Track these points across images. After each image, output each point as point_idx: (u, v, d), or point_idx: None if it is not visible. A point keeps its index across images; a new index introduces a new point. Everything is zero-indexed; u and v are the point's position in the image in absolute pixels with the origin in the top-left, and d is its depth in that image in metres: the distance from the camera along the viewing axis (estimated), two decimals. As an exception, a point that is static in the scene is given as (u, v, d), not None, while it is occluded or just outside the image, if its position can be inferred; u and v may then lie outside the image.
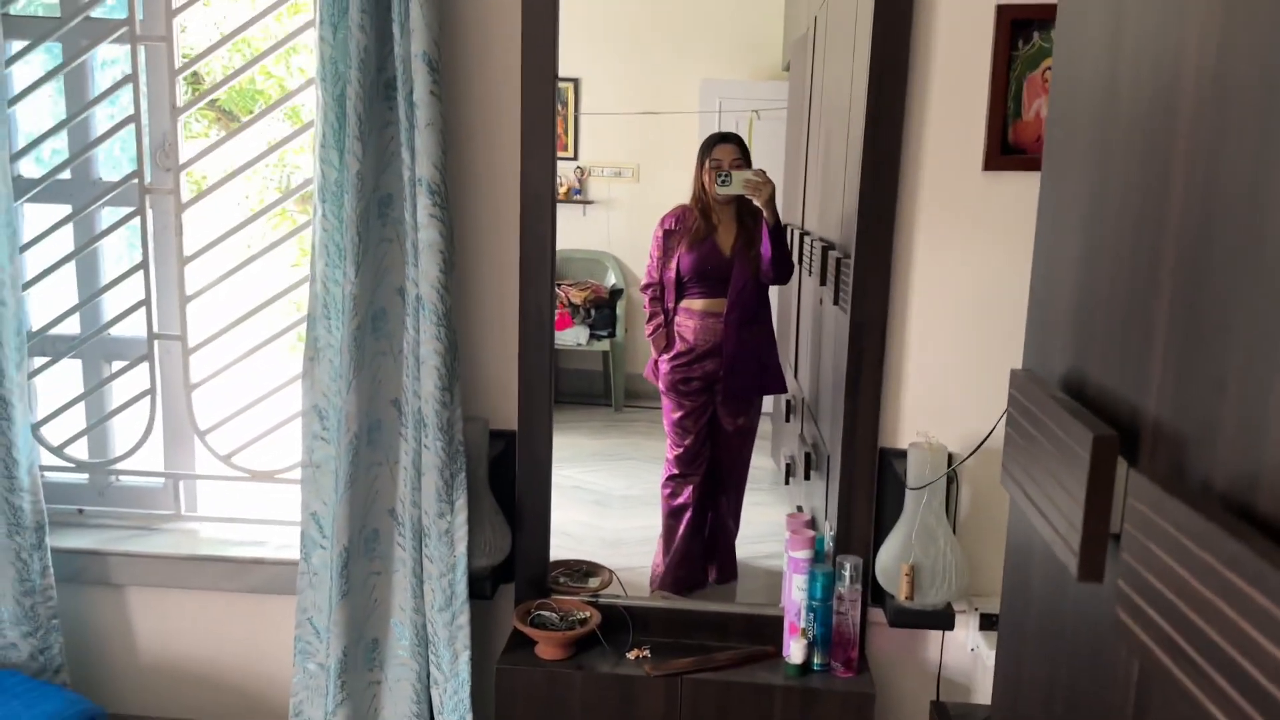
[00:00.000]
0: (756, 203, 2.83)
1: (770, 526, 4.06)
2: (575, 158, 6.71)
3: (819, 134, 3.99)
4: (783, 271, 2.99)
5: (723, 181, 2.78)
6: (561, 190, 6.57)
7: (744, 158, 2.96)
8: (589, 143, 6.70)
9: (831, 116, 3.54)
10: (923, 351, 2.02)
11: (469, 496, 1.95)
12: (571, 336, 6.31)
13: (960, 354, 2.00)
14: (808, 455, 3.76)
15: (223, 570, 2.23)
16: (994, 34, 1.91)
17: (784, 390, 3.28)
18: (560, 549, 2.77)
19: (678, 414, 3.12)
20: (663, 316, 3.12)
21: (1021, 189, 1.94)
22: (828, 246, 3.41)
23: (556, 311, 6.18)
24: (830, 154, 3.12)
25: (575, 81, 6.64)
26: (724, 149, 2.95)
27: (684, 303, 3.05)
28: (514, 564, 2.17)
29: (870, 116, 1.96)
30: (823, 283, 3.40)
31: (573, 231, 6.58)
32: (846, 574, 1.97)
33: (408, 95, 1.85)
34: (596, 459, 5.38)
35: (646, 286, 3.23)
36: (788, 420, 4.49)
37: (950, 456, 1.94)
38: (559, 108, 6.98)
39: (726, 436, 3.14)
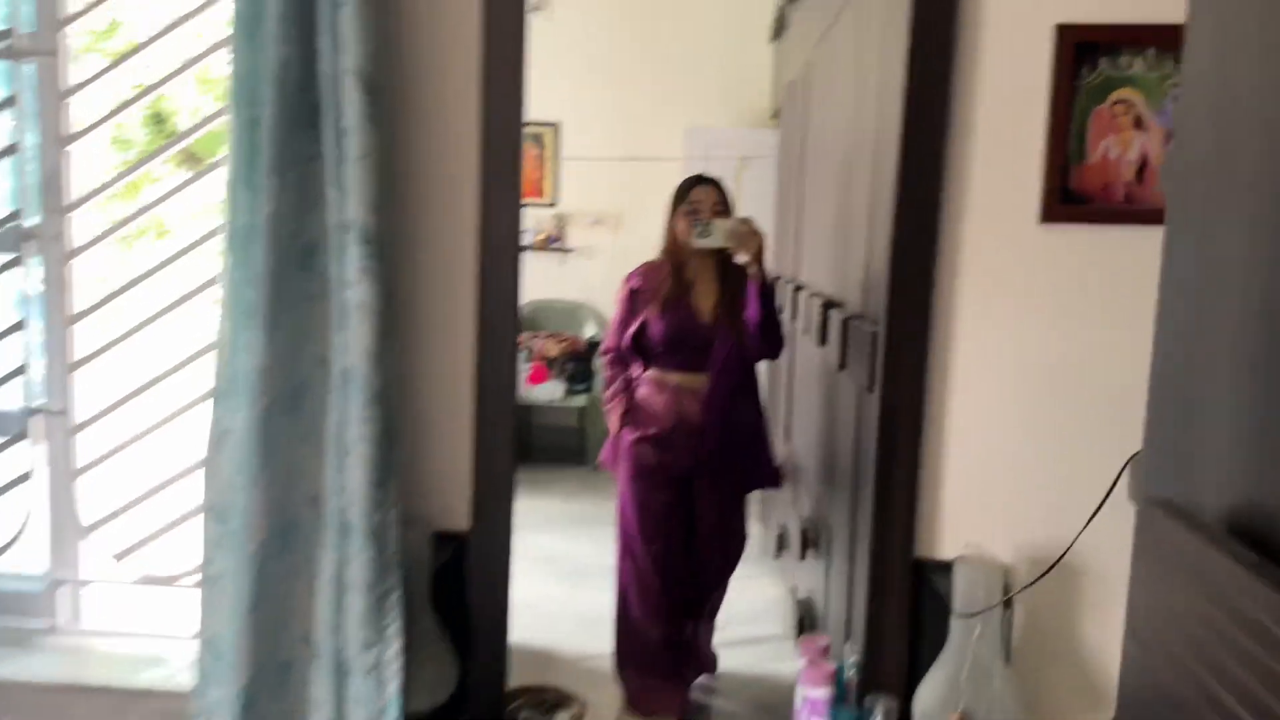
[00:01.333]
0: (741, 258, 2.45)
1: (756, 605, 3.66)
2: (554, 204, 6.41)
3: (817, 181, 3.67)
4: (773, 343, 2.59)
5: (701, 232, 2.41)
6: (539, 238, 6.28)
7: (726, 204, 2.60)
8: (569, 189, 6.40)
9: (830, 161, 3.22)
10: (968, 441, 1.65)
11: (406, 620, 1.56)
12: (546, 391, 5.96)
13: (1014, 444, 1.63)
14: (804, 532, 3.39)
15: (110, 703, 1.82)
16: (1053, 61, 1.57)
17: (777, 484, 2.92)
18: (526, 631, 2.33)
19: (644, 510, 2.63)
20: (624, 386, 2.70)
21: (1087, 244, 1.60)
22: (829, 304, 3.07)
23: (529, 367, 5.68)
24: (843, 203, 2.79)
25: (555, 125, 6.34)
26: (703, 193, 2.56)
27: (654, 373, 2.63)
28: (463, 700, 1.77)
29: (904, 159, 1.61)
30: (822, 342, 3.06)
31: (550, 281, 6.30)
32: None
33: (336, 121, 1.49)
34: (570, 524, 4.98)
35: (606, 351, 2.78)
36: (779, 488, 4.11)
37: (1006, 573, 1.57)
38: (537, 151, 6.66)
39: (708, 536, 2.68)
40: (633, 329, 2.62)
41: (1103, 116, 1.57)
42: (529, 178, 6.25)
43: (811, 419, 3.21)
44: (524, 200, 6.64)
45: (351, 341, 1.49)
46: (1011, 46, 1.59)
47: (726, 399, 2.56)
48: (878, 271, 1.97)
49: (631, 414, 2.63)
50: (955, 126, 1.61)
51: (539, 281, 6.21)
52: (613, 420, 2.69)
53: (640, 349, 2.63)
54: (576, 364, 5.78)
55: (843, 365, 2.44)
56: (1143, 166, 1.57)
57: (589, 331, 6.04)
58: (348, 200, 1.48)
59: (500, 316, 1.64)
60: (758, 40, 5.85)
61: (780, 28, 5.29)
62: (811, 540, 3.15)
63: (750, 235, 2.42)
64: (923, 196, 1.60)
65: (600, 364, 2.87)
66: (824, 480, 2.88)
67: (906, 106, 1.61)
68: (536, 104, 6.47)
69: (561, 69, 6.12)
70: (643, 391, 2.64)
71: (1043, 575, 1.52)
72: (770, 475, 2.81)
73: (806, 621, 3.08)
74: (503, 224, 1.62)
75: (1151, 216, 1.56)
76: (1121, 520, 1.08)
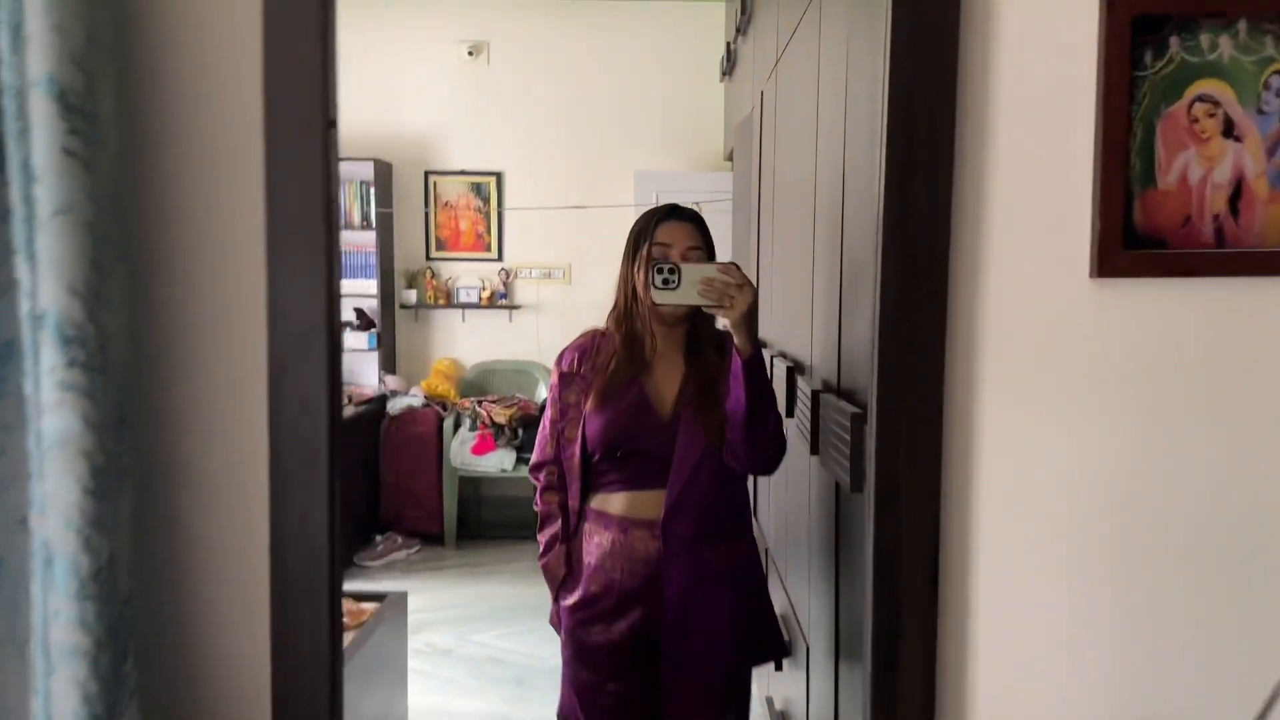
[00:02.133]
0: (723, 322, 1.72)
1: None
2: (499, 258, 5.88)
3: (776, 225, 3.22)
4: (766, 448, 1.76)
5: (665, 282, 1.62)
6: (485, 294, 5.71)
7: (707, 247, 1.83)
8: (514, 241, 5.86)
9: (791, 201, 2.76)
10: (998, 600, 1.13)
11: None
12: (494, 461, 5.38)
13: (1067, 603, 1.12)
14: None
15: None
16: (1102, 44, 1.08)
17: (785, 654, 2.03)
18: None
19: (589, 708, 1.85)
20: (560, 524, 1.91)
21: (1162, 306, 1.09)
22: (794, 368, 2.58)
23: (475, 436, 4.83)
24: (808, 250, 2.31)
25: (497, 175, 5.86)
26: (674, 230, 1.78)
27: (597, 501, 1.85)
28: None
29: (889, 193, 1.10)
30: (789, 413, 2.57)
31: (497, 341, 5.72)
32: None
33: (24, 161, 0.97)
34: (518, 615, 4.36)
35: (537, 468, 1.96)
36: (751, 571, 3.57)
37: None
38: (479, 203, 6.15)
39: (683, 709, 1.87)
40: (577, 436, 1.84)
41: (1177, 121, 1.08)
42: (471, 231, 5.78)
43: (783, 500, 2.70)
44: (467, 255, 6.07)
45: (50, 497, 0.95)
46: (1040, 28, 1.10)
47: (693, 533, 1.76)
48: (857, 347, 1.47)
49: (566, 562, 1.89)
50: (964, 145, 1.10)
51: (487, 342, 5.76)
52: (547, 571, 1.92)
53: (582, 462, 1.85)
54: (527, 430, 5.25)
55: (815, 449, 1.94)
56: (1238, 191, 1.08)
57: (541, 394, 5.53)
58: (40, 281, 0.95)
59: (303, 440, 1.08)
60: (708, 79, 5.45)
61: (730, 64, 4.88)
62: (787, 647, 2.62)
63: (736, 288, 1.61)
64: (918, 245, 1.09)
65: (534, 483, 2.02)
66: (798, 576, 2.37)
67: (891, 121, 1.11)
68: (477, 153, 5.99)
69: (502, 115, 5.70)
70: (584, 529, 1.87)
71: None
72: (773, 644, 1.98)
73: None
74: (303, 302, 1.07)
75: (1255, 264, 1.07)
76: None
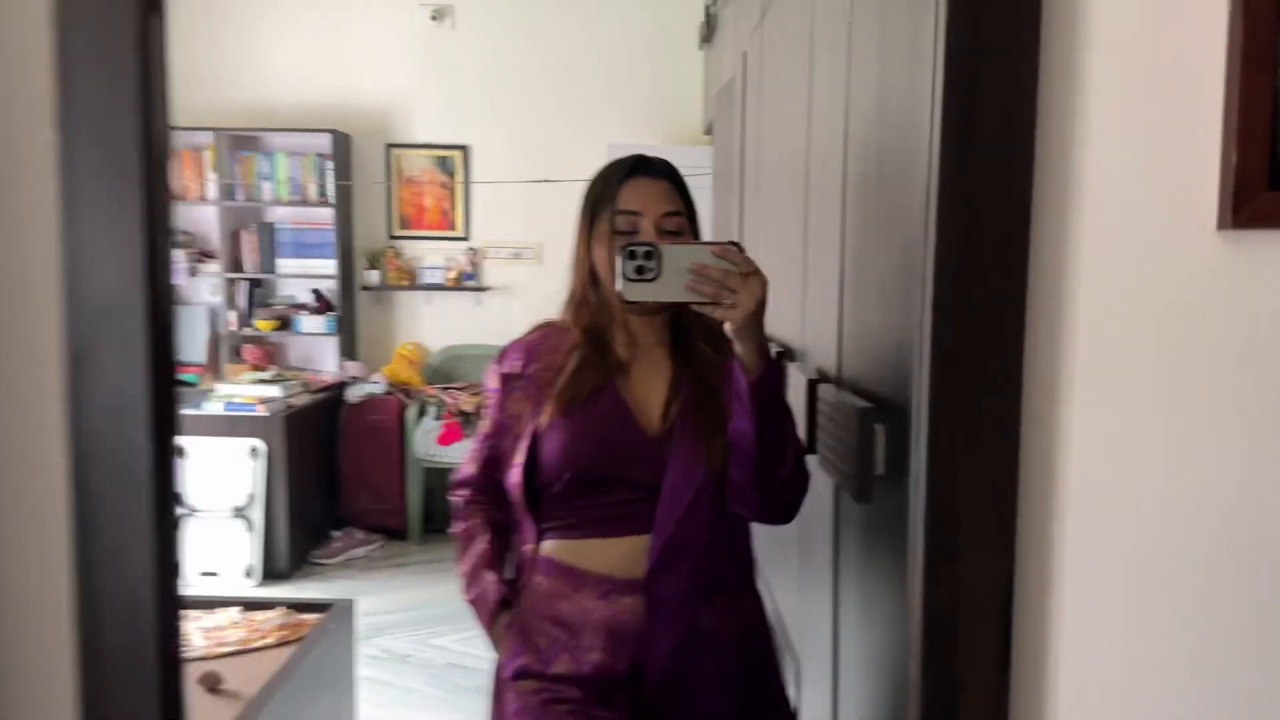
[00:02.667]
0: (729, 325, 1.20)
1: None
2: (466, 237, 5.53)
3: (763, 200, 2.92)
4: (784, 487, 1.30)
5: (640, 271, 1.18)
6: (451, 275, 5.41)
7: (689, 215, 1.38)
8: (482, 219, 5.49)
9: (782, 172, 2.45)
10: (1091, 674, 0.84)
11: None
12: (461, 452, 5.11)
13: (1194, 675, 0.83)
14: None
15: None
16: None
17: None
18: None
19: None
20: (488, 542, 1.48)
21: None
22: (782, 354, 2.30)
23: (441, 425, 4.36)
24: (802, 225, 2.00)
25: (463, 149, 5.48)
26: (643, 190, 1.34)
27: (559, 550, 1.37)
28: None
29: (951, 134, 0.79)
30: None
31: (464, 325, 5.37)
32: None
33: None
34: (485, 617, 4.13)
35: (460, 486, 1.54)
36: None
37: None
38: (445, 179, 5.82)
39: None
40: (518, 452, 1.38)
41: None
42: (436, 209, 5.44)
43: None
44: (432, 234, 5.77)
45: None
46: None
47: (686, 592, 1.32)
48: (866, 328, 1.18)
49: (514, 627, 1.40)
50: (1050, 61, 0.80)
51: (451, 325, 5.46)
52: (483, 625, 1.46)
53: (531, 493, 1.39)
54: (495, 421, 4.95)
55: (811, 447, 1.66)
56: None
57: (508, 383, 5.21)
58: None
59: (116, 454, 0.76)
60: (685, 47, 5.15)
61: (710, 30, 4.57)
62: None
63: (740, 279, 1.18)
64: (987, 196, 0.78)
65: (453, 504, 1.57)
66: (785, 586, 2.09)
67: (952, 34, 0.80)
68: (441, 125, 5.64)
69: (468, 85, 5.37)
70: (536, 585, 1.39)
71: None
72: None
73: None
74: (108, 264, 0.74)
75: None
76: None
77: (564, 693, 1.34)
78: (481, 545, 1.50)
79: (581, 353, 1.38)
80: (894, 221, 1.20)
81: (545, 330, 1.47)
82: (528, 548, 1.43)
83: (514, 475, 1.40)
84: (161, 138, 0.74)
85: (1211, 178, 0.79)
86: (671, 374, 1.39)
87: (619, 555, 1.34)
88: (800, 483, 1.33)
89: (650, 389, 1.39)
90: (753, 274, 1.18)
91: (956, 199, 0.77)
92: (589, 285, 1.39)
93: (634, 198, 1.34)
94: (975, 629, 0.78)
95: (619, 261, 1.20)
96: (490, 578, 1.48)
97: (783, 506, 1.34)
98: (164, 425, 0.74)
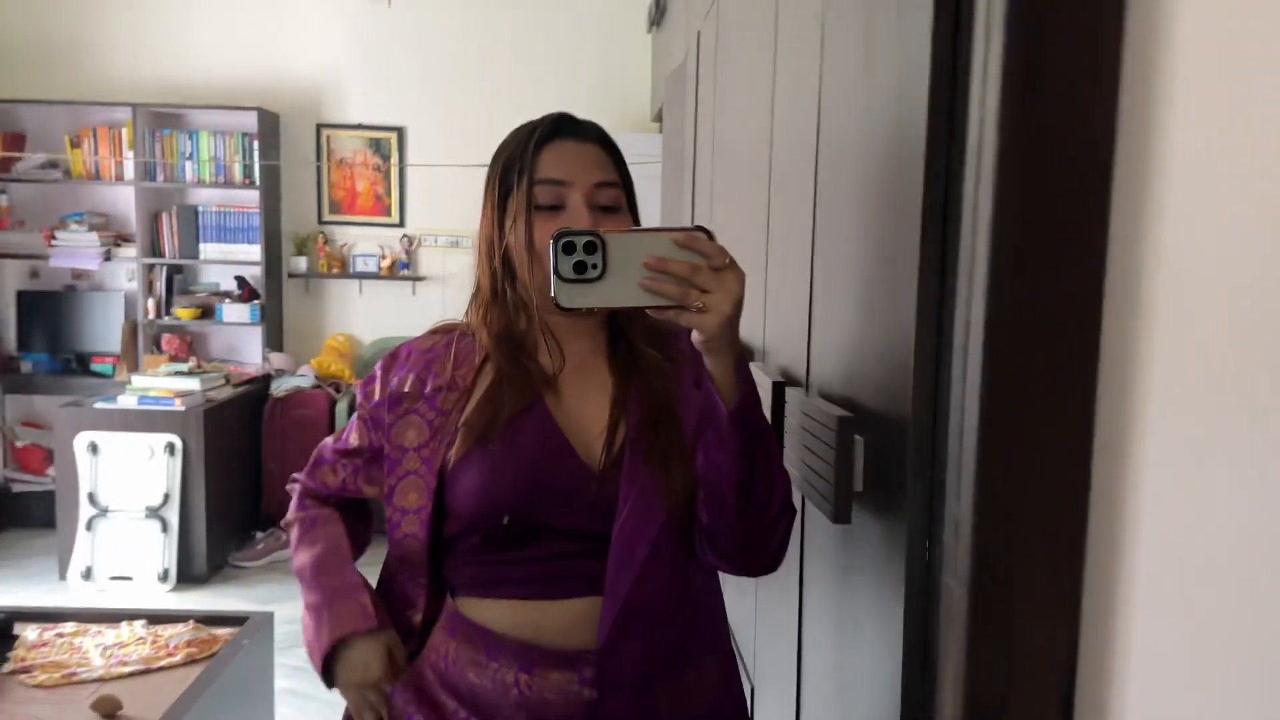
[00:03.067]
0: (695, 336, 0.92)
1: None
2: (401, 224, 5.30)
3: (719, 189, 2.77)
4: (770, 541, 1.05)
5: (580, 268, 0.90)
6: (385, 263, 5.17)
7: (623, 183, 1.12)
8: (418, 206, 5.23)
9: (746, 152, 2.28)
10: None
11: None
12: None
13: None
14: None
15: None
16: None
17: None
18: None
19: None
20: (340, 532, 1.18)
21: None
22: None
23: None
24: (766, 212, 1.85)
25: (398, 131, 5.24)
26: (568, 155, 1.08)
27: (469, 608, 1.09)
28: None
29: (1010, 111, 0.63)
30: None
31: (399, 315, 5.12)
32: None
33: None
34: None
35: (309, 497, 1.22)
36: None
37: None
38: (377, 162, 5.55)
39: None
40: (415, 497, 1.09)
41: None
42: (369, 193, 5.21)
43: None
44: (365, 219, 5.52)
45: None
46: None
47: (645, 665, 1.06)
48: (841, 326, 1.04)
49: (406, 684, 1.11)
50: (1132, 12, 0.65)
51: (388, 315, 5.23)
52: (326, 640, 1.10)
53: (434, 547, 1.11)
54: (429, 416, 4.75)
55: (775, 457, 1.52)
56: None
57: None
58: None
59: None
60: (633, 31, 4.98)
61: (659, 13, 4.42)
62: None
63: (710, 276, 0.90)
64: (1057, 165, 0.62)
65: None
66: (744, 605, 1.96)
67: None
68: (375, 106, 5.35)
69: (404, 64, 5.14)
70: (436, 647, 1.11)
71: None
72: None
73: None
74: None
75: None
76: None
77: None
78: (336, 531, 1.19)
79: (496, 366, 1.10)
80: (879, 214, 1.06)
81: (447, 336, 1.16)
82: (417, 617, 1.13)
83: (410, 526, 1.09)
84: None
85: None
86: (613, 389, 1.11)
87: (553, 622, 1.06)
88: (789, 522, 1.08)
89: (587, 410, 1.10)
90: (727, 268, 0.91)
91: (1013, 172, 0.61)
92: (502, 279, 1.09)
93: (558, 164, 1.06)
94: (1032, 713, 0.62)
95: (551, 255, 0.91)
96: (355, 573, 1.16)
97: (769, 555, 1.07)
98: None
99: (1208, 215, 0.61)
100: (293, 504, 1.25)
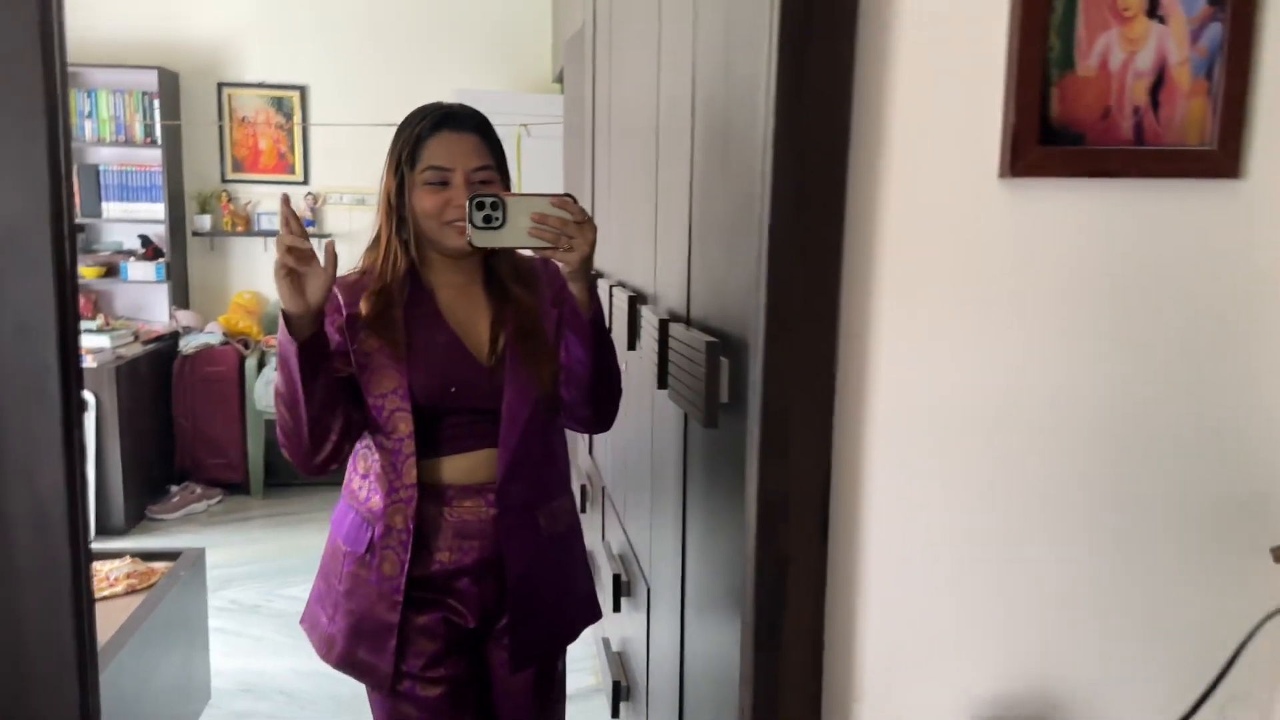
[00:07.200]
0: (562, 267, 1.38)
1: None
2: (305, 182, 5.36)
3: (615, 149, 3.00)
4: (612, 409, 1.58)
5: (488, 220, 1.31)
6: (290, 223, 5.22)
7: (498, 165, 1.48)
8: (322, 163, 5.34)
9: (634, 123, 2.55)
10: (892, 537, 1.00)
11: None
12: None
13: (965, 534, 1.01)
14: (617, 578, 2.74)
15: None
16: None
17: (598, 617, 1.77)
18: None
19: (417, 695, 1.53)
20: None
21: (1078, 210, 0.98)
22: (635, 298, 2.42)
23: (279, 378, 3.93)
24: (654, 174, 2.12)
25: (301, 89, 5.32)
26: (450, 145, 1.42)
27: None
28: None
29: (784, 100, 0.91)
30: (631, 345, 2.41)
31: (305, 274, 5.30)
32: None
33: None
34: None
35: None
36: (583, 510, 3.43)
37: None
38: (280, 120, 5.60)
39: (506, 695, 1.63)
40: (387, 381, 1.46)
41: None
42: (272, 151, 5.26)
43: (623, 437, 2.55)
44: (268, 178, 5.54)
45: None
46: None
47: (528, 498, 1.52)
48: (712, 269, 1.31)
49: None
50: (865, 34, 0.94)
51: (290, 274, 5.28)
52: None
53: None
54: (340, 370, 4.88)
55: (663, 383, 1.79)
56: (1159, 80, 0.97)
57: (353, 332, 5.14)
58: None
59: (27, 371, 0.79)
60: (535, -8, 5.13)
61: (560, -24, 4.59)
62: (627, 589, 2.52)
63: (575, 227, 1.32)
64: (813, 142, 0.91)
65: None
66: (638, 515, 2.24)
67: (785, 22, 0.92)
68: (277, 64, 5.39)
69: (305, 21, 5.18)
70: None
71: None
72: (592, 606, 1.75)
73: (625, 683, 2.48)
74: (16, 199, 0.77)
75: (1174, 164, 0.97)
76: None
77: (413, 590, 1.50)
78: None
79: (408, 294, 1.47)
80: (736, 172, 1.32)
81: (363, 275, 1.50)
82: (412, 478, 1.48)
83: (394, 402, 1.45)
84: (63, 73, 0.77)
85: (995, 135, 0.95)
86: (490, 312, 1.52)
87: (466, 467, 1.50)
88: (619, 396, 1.58)
89: (475, 324, 1.52)
90: (586, 222, 1.33)
91: (787, 150, 0.90)
92: (395, 231, 1.46)
93: (442, 153, 1.41)
94: (802, 508, 0.94)
95: (468, 210, 1.32)
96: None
97: (610, 418, 1.60)
98: (70, 345, 0.78)
99: (915, 178, 0.92)
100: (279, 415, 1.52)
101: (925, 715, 0.97)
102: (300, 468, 1.45)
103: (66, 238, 0.77)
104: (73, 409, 0.78)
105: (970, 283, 0.96)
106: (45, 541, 0.78)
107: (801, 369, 0.91)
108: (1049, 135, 0.94)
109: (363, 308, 1.45)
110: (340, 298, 1.48)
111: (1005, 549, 1.00)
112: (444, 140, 1.41)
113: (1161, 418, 0.98)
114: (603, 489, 3.01)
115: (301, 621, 1.66)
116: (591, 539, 3.10)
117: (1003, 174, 0.95)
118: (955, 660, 1.00)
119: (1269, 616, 0.63)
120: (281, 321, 1.32)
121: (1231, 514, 1.00)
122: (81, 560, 0.80)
